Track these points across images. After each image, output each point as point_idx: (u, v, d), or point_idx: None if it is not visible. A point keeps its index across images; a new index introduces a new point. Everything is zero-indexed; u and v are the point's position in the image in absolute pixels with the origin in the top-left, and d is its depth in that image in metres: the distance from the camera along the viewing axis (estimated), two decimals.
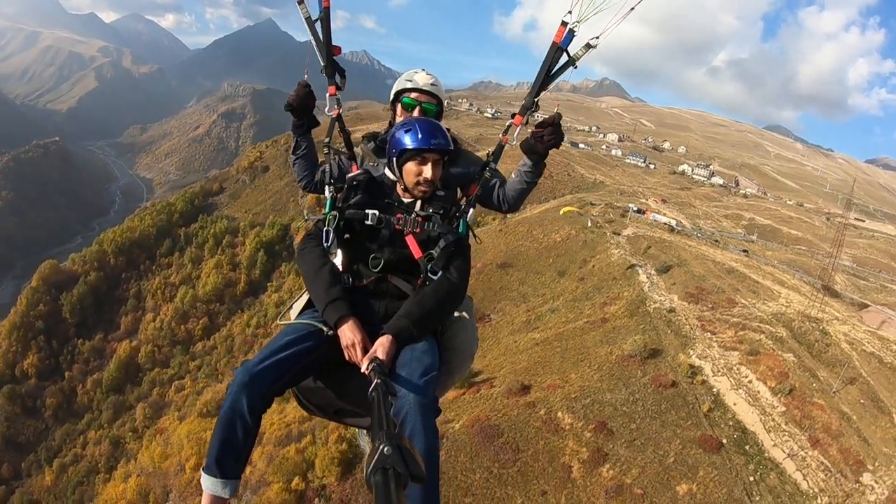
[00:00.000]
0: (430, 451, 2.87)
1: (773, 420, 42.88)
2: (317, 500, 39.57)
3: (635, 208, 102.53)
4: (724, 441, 40.20)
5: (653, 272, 67.25)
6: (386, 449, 1.76)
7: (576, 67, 3.93)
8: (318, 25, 4.29)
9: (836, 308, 72.94)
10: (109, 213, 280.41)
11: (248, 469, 53.97)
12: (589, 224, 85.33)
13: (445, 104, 4.47)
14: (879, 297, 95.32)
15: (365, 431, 4.44)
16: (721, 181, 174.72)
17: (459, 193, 4.22)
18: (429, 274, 3.66)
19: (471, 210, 3.98)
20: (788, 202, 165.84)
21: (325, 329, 3.43)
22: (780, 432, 41.86)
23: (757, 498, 36.17)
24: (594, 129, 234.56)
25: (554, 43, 3.86)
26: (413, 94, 4.27)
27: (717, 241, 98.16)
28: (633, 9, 3.53)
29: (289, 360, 3.27)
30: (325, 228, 3.75)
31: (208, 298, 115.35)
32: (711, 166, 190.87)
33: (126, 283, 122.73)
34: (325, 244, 3.73)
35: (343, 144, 4.64)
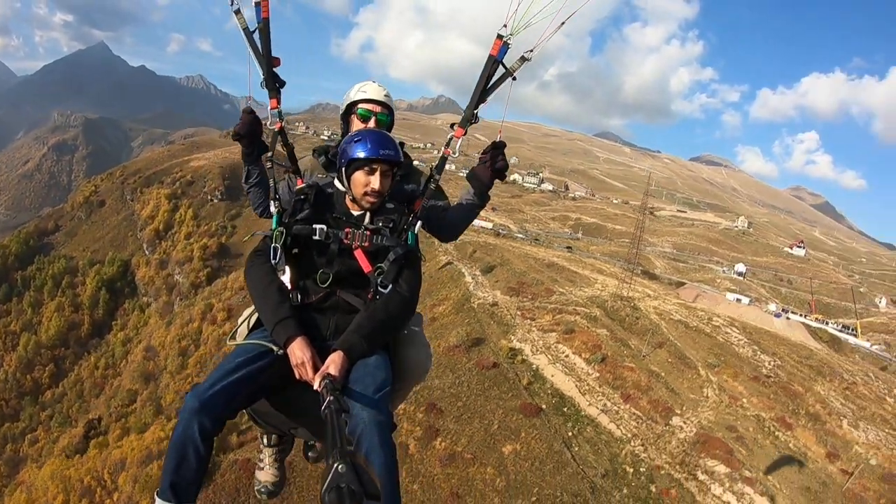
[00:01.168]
0: (388, 466, 2.96)
1: (588, 385, 50.12)
2: None
3: (476, 222, 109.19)
4: (544, 406, 46.74)
5: (478, 273, 73.68)
6: (340, 467, 1.83)
7: (514, 79, 4.03)
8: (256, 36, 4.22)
9: (652, 287, 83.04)
10: None
11: (115, 494, 54.59)
12: None
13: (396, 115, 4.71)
14: (697, 275, 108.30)
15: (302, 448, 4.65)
16: (551, 187, 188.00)
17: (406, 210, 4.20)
18: (379, 288, 3.73)
19: (418, 223, 4.00)
20: (614, 201, 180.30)
21: (275, 348, 3.49)
22: (595, 394, 49.05)
23: (576, 448, 42.78)
24: (429, 145, 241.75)
25: (491, 56, 3.97)
26: (368, 105, 4.41)
27: (537, 239, 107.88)
28: (563, 23, 3.71)
29: (240, 382, 3.30)
30: (272, 245, 3.79)
31: (52, 344, 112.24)
32: (541, 174, 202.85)
33: None
34: (272, 261, 3.78)
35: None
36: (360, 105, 4.40)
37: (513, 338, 56.69)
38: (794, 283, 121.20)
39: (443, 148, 4.25)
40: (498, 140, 4.00)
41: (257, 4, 4.01)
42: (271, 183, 4.18)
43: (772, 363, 60.02)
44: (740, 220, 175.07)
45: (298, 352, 3.37)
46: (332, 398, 2.57)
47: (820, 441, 48.63)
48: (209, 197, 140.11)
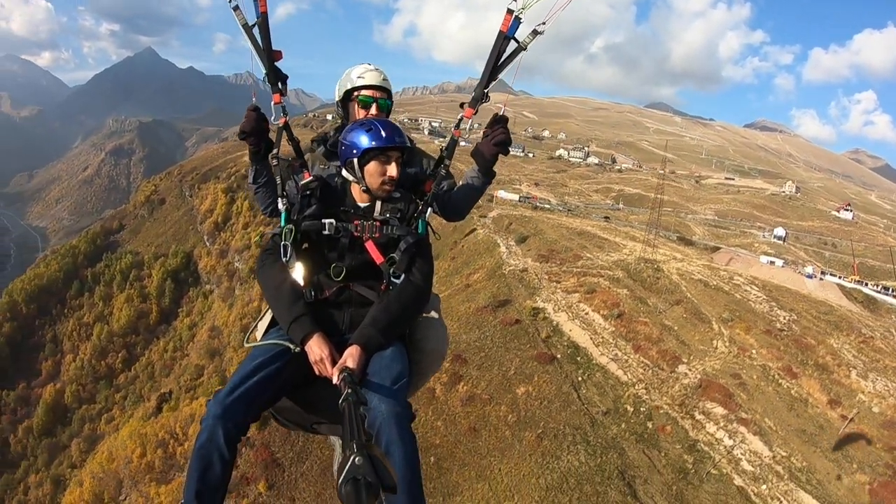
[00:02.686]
0: (409, 458, 2.99)
1: (603, 338, 54.71)
2: (244, 449, 46.54)
3: (503, 194, 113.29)
4: (558, 356, 51.84)
5: (512, 243, 78.32)
6: (357, 459, 1.85)
7: (526, 49, 3.98)
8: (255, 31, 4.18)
9: (682, 250, 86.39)
10: (6, 267, 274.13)
11: (186, 444, 60.98)
12: None
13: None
14: (736, 240, 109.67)
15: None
16: (597, 160, 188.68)
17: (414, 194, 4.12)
18: (391, 278, 3.73)
19: (429, 209, 4.00)
20: (660, 171, 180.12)
21: (292, 347, 3.51)
22: (608, 345, 53.69)
23: (583, 390, 47.81)
24: (476, 126, 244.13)
25: (501, 32, 3.93)
26: (368, 92, 4.38)
27: (570, 210, 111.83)
28: None
29: (260, 385, 3.32)
30: (282, 242, 3.78)
31: (124, 332, 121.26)
32: (587, 148, 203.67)
33: (41, 329, 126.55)
34: (283, 258, 3.77)
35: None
36: (360, 92, 4.39)
37: (537, 298, 61.37)
38: (838, 246, 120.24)
39: (452, 129, 4.29)
40: (500, 114, 4.07)
41: None
42: (278, 180, 4.10)
43: (787, 318, 61.87)
44: (787, 186, 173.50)
45: (316, 348, 3.45)
46: (349, 391, 2.64)
47: (824, 389, 50.62)
48: None
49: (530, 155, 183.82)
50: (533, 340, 53.90)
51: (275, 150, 4.23)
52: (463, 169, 4.51)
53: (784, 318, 62.09)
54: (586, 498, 37.32)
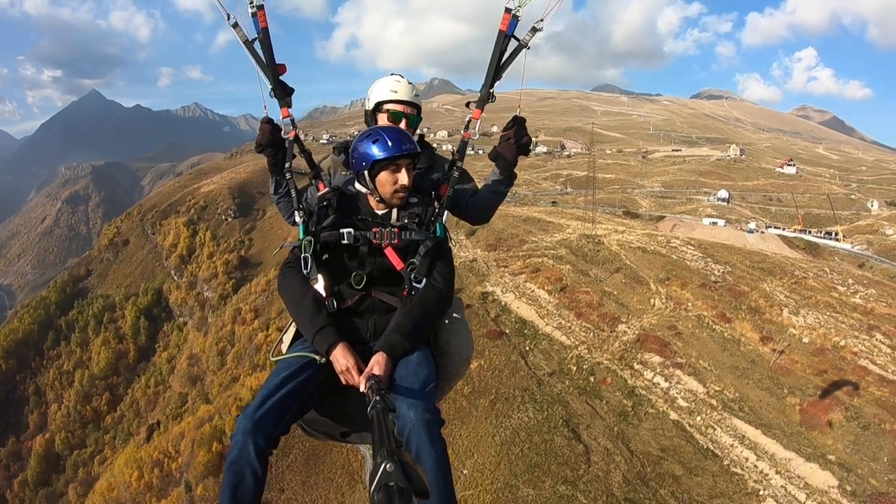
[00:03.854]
0: (440, 464, 3.01)
1: (547, 310, 59.63)
2: None
3: None
4: (507, 331, 56.82)
5: (462, 237, 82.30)
6: (388, 466, 1.82)
7: (528, 48, 4.10)
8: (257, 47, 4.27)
9: (626, 223, 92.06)
10: None
11: (179, 458, 65.24)
12: None
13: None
14: (681, 208, 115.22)
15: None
16: (545, 149, 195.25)
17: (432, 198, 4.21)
18: (413, 283, 3.75)
19: (445, 212, 4.08)
20: (608, 151, 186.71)
21: (317, 358, 3.55)
22: (552, 316, 58.59)
23: (531, 358, 52.79)
24: (426, 129, 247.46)
25: (501, 31, 4.04)
26: (398, 106, 4.40)
27: (517, 200, 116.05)
28: None
29: (288, 398, 3.35)
30: (302, 255, 3.82)
31: (105, 374, 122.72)
32: (535, 138, 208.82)
33: (22, 383, 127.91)
34: (304, 271, 3.81)
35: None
36: (391, 106, 4.43)
37: (487, 284, 66.16)
38: (783, 200, 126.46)
39: (462, 131, 4.41)
40: (518, 115, 4.17)
41: (254, 15, 4.13)
42: (293, 193, 4.22)
43: (722, 270, 65.65)
44: (731, 149, 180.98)
45: (341, 358, 3.47)
46: (377, 398, 2.62)
47: (756, 328, 54.34)
48: (223, 217, 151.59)
49: (479, 152, 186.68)
50: (483, 321, 58.54)
51: (287, 164, 4.34)
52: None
53: (718, 272, 66.06)
54: (535, 446, 42.09)
